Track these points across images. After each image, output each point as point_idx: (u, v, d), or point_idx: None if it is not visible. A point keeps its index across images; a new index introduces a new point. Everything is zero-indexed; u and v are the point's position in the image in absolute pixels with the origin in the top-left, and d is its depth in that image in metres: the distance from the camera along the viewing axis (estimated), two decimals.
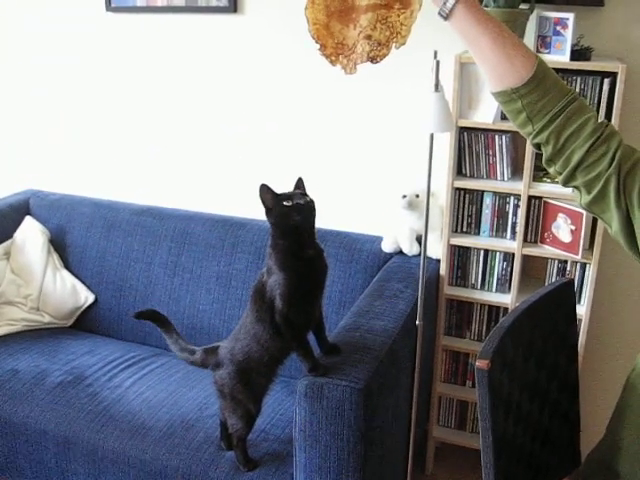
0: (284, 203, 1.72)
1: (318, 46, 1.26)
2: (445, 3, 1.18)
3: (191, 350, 2.02)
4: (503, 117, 2.14)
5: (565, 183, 1.23)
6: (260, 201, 1.74)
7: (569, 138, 1.18)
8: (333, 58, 1.27)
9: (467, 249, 2.37)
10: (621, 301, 2.45)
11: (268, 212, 1.75)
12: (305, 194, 1.78)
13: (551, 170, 1.24)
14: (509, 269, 2.32)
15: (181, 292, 2.63)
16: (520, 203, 2.22)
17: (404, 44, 1.25)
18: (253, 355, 1.86)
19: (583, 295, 2.25)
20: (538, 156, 2.07)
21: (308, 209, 1.73)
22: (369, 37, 1.24)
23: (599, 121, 1.19)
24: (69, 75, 2.96)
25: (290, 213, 1.71)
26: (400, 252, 2.46)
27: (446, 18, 1.19)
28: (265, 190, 1.73)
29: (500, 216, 2.30)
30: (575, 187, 1.22)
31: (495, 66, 1.20)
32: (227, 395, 1.93)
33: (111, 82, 2.90)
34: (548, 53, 2.08)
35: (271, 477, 1.91)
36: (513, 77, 1.18)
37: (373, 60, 1.26)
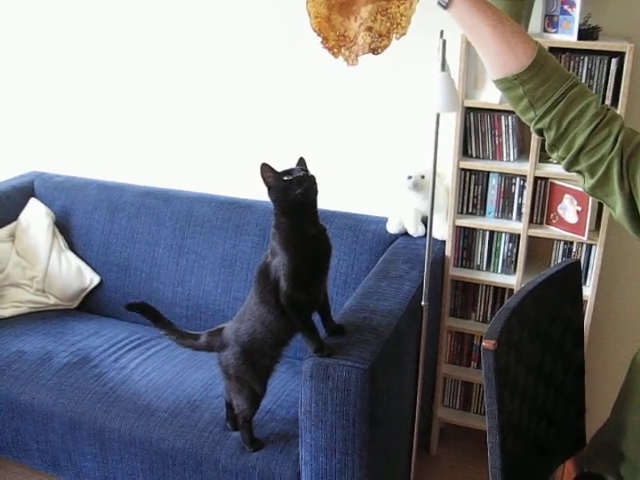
0: (284, 178, 1.72)
1: (320, 39, 1.28)
2: None
3: (194, 336, 2.02)
4: None
5: (568, 168, 1.23)
6: (262, 180, 1.74)
7: (571, 122, 1.19)
8: (335, 50, 1.29)
9: (473, 230, 2.36)
10: (627, 282, 2.45)
11: (269, 190, 1.75)
12: (305, 169, 1.78)
13: (554, 155, 1.25)
14: (515, 250, 2.32)
15: (186, 274, 2.63)
16: (526, 184, 2.21)
17: (404, 35, 1.27)
18: (258, 336, 1.86)
19: (589, 276, 2.25)
20: None
21: (308, 182, 1.73)
22: (370, 29, 1.26)
23: (600, 105, 1.19)
24: (71, 56, 2.95)
25: (290, 187, 1.71)
26: (405, 233, 2.46)
27: (446, 7, 1.21)
28: (266, 169, 1.73)
29: (506, 197, 2.29)
30: (578, 172, 1.23)
31: (496, 53, 1.21)
32: (232, 376, 1.93)
33: (114, 63, 2.88)
34: (555, 32, 2.06)
35: (277, 457, 1.92)
36: (514, 64, 1.19)
37: (374, 51, 1.28)
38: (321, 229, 1.81)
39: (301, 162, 1.82)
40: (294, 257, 1.76)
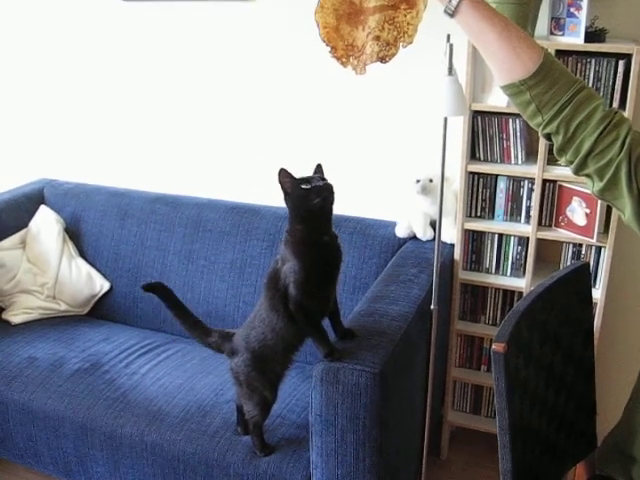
0: (302, 186, 1.72)
1: (329, 49, 1.29)
2: (450, 0, 1.21)
3: (206, 331, 2.01)
4: None
5: (577, 172, 1.24)
6: (279, 186, 1.74)
7: (579, 126, 1.19)
8: (344, 60, 1.32)
9: (481, 233, 2.36)
10: (636, 284, 2.44)
11: (286, 196, 1.75)
12: (324, 178, 1.78)
13: (562, 160, 1.25)
14: (523, 253, 2.32)
15: (195, 279, 2.64)
16: (534, 187, 2.21)
17: (411, 43, 1.29)
18: (268, 343, 1.87)
19: (598, 279, 2.25)
20: None
21: (327, 191, 1.74)
22: (378, 38, 1.28)
23: (608, 108, 1.20)
24: (82, 64, 2.97)
25: (309, 195, 1.72)
26: (414, 237, 2.46)
27: (452, 15, 1.22)
28: (284, 174, 1.73)
29: (514, 200, 2.29)
30: (587, 175, 1.23)
31: (503, 59, 1.22)
32: (243, 382, 1.93)
33: (124, 71, 2.90)
34: (562, 35, 2.06)
35: (288, 462, 1.92)
36: (521, 69, 1.20)
37: (382, 60, 1.30)
38: (333, 237, 1.82)
39: (319, 169, 1.82)
40: (306, 264, 1.76)
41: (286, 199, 1.76)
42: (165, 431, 2.05)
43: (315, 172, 1.81)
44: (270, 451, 1.95)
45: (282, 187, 1.74)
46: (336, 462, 1.81)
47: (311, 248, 1.77)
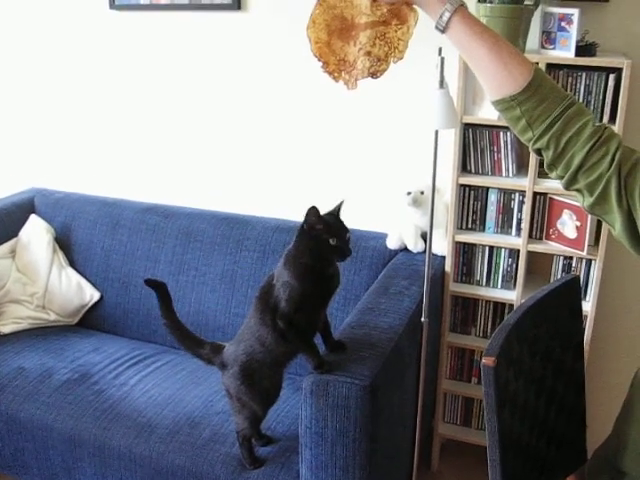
0: (330, 241, 1.70)
1: (321, 64, 1.30)
2: (441, 17, 1.22)
3: (198, 342, 1.99)
4: None
5: (567, 186, 1.24)
6: (303, 219, 1.72)
7: (569, 142, 1.20)
8: (336, 75, 1.33)
9: (472, 246, 2.36)
10: (627, 296, 2.45)
11: (307, 232, 1.73)
12: (347, 230, 1.76)
13: (553, 175, 1.26)
14: (514, 265, 2.32)
15: (186, 290, 2.63)
16: (525, 199, 2.22)
17: (402, 58, 1.30)
18: (256, 356, 1.86)
19: (589, 291, 2.25)
20: None
21: (349, 253, 1.73)
22: (369, 53, 1.30)
23: (598, 124, 1.20)
24: (73, 73, 2.96)
25: (331, 255, 1.73)
26: (405, 249, 2.46)
27: (443, 31, 1.23)
28: (313, 213, 1.70)
29: (505, 212, 2.30)
30: (577, 190, 1.24)
31: (493, 75, 1.22)
32: (233, 396, 1.93)
33: (115, 80, 2.90)
34: (553, 49, 2.07)
35: (277, 474, 1.91)
36: (511, 85, 1.21)
37: (373, 75, 1.32)
38: (336, 268, 1.81)
39: (339, 208, 1.81)
40: (304, 289, 1.75)
41: (305, 236, 1.73)
42: (154, 443, 2.04)
43: (336, 209, 1.80)
44: (260, 464, 1.94)
45: (305, 222, 1.71)
46: (326, 475, 1.80)
47: (313, 276, 1.76)
